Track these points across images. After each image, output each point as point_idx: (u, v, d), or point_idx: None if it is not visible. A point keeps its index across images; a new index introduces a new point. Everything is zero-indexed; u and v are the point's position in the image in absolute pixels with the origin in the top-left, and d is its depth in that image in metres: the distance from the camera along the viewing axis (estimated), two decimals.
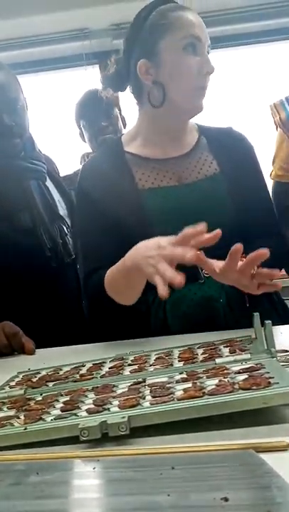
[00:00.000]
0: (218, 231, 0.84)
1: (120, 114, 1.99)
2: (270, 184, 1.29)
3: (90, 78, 2.72)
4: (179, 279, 0.79)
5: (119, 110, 1.98)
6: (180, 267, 0.90)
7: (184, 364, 0.78)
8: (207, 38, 1.11)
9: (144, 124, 1.19)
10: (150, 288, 0.92)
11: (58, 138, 2.41)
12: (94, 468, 0.50)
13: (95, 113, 1.93)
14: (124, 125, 1.98)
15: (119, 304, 1.06)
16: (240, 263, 0.87)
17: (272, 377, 0.61)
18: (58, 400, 0.68)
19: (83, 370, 0.85)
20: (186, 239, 0.84)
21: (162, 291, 0.80)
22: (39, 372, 0.89)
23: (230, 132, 1.24)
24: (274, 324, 0.82)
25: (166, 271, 0.81)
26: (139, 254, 0.90)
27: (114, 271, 1.03)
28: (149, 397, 0.63)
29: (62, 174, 1.62)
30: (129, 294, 1.03)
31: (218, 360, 0.74)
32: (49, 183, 1.40)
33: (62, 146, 2.25)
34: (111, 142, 1.29)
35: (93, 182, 1.18)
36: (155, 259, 0.84)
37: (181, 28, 1.09)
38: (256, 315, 0.86)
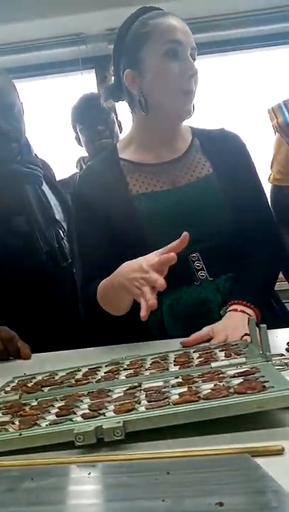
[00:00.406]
0: (185, 234, 0.89)
1: (117, 119, 1.99)
2: (268, 188, 1.29)
3: (85, 83, 2.72)
4: (152, 302, 0.85)
5: (116, 114, 1.98)
6: (176, 271, 0.91)
7: (179, 368, 0.78)
8: (190, 41, 1.11)
9: (137, 131, 1.20)
10: None
11: (54, 142, 2.41)
12: (89, 474, 0.50)
13: (92, 117, 1.93)
14: (121, 129, 1.99)
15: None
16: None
17: (268, 381, 0.61)
18: (53, 405, 0.68)
19: (79, 375, 0.85)
20: (163, 264, 0.89)
21: (144, 312, 0.85)
22: (34, 377, 0.88)
23: (222, 132, 1.24)
24: (272, 327, 0.82)
25: (147, 294, 0.86)
26: (124, 275, 0.95)
27: (104, 285, 1.06)
28: (144, 402, 0.63)
29: (58, 178, 1.62)
30: (118, 307, 1.06)
31: (213, 364, 0.74)
32: (45, 187, 1.40)
33: (58, 150, 2.25)
34: (107, 150, 1.30)
35: (89, 190, 1.19)
36: (139, 281, 0.90)
37: (161, 34, 1.09)
38: (252, 319, 0.86)
